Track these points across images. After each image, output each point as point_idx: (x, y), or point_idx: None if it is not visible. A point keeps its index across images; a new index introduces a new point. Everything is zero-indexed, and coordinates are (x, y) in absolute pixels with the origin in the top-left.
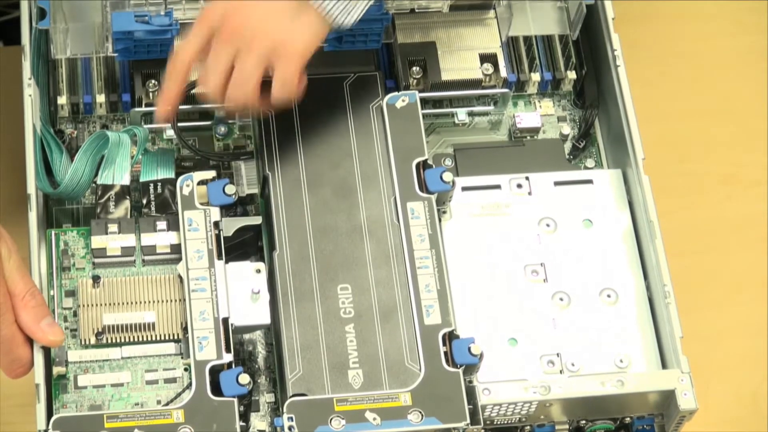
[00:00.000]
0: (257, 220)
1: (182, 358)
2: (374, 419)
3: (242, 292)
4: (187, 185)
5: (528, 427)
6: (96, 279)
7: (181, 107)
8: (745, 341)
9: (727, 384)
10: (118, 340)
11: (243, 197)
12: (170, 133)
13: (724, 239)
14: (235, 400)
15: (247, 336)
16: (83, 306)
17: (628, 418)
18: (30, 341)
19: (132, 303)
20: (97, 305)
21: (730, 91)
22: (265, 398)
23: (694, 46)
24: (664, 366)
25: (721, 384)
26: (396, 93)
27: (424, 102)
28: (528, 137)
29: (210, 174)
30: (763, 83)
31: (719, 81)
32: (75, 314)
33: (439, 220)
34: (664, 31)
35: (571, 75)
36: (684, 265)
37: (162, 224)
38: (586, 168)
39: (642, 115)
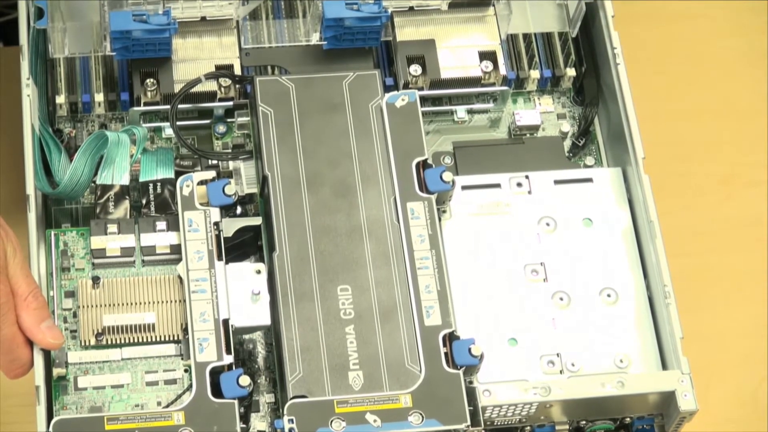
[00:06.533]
0: (257, 220)
1: (182, 359)
2: (375, 421)
3: (242, 293)
4: (187, 185)
5: (528, 428)
6: (96, 280)
7: (180, 106)
8: (745, 341)
9: (727, 384)
10: (118, 341)
11: (242, 197)
12: (169, 132)
13: (724, 239)
14: (236, 401)
15: (246, 336)
16: (83, 307)
17: (628, 419)
18: (30, 342)
19: (132, 304)
20: (96, 306)
21: (731, 91)
22: (265, 398)
23: (694, 46)
24: (664, 366)
25: (722, 384)
26: (396, 92)
27: (423, 100)
28: (527, 135)
29: (210, 174)
30: (763, 83)
31: (719, 81)
32: (75, 315)
33: (439, 220)
34: (664, 31)
35: (571, 72)
36: (684, 265)
37: (162, 224)
38: (585, 166)
39: (642, 115)
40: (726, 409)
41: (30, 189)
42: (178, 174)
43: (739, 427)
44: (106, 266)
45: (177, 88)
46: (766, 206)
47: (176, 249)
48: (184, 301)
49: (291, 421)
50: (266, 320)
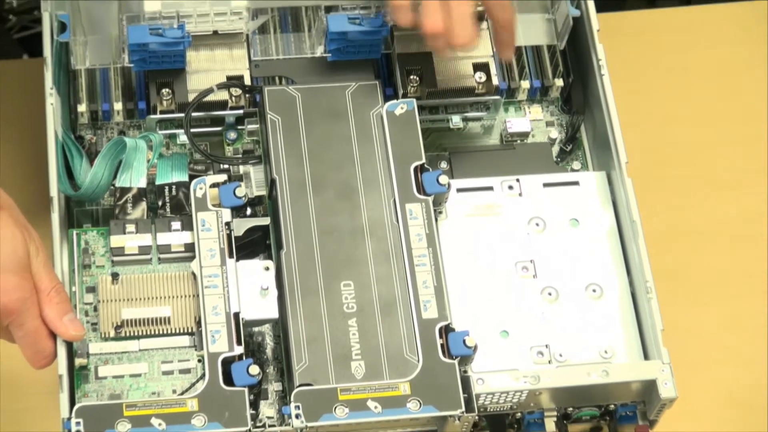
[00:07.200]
0: (265, 220)
1: (196, 350)
2: (375, 407)
3: (252, 289)
4: (200, 188)
5: (519, 414)
6: (115, 276)
7: (193, 114)
8: (724, 335)
9: (706, 375)
10: (136, 334)
11: (252, 199)
12: (183, 138)
13: (705, 239)
14: (246, 389)
15: (256, 329)
16: (103, 301)
17: (612, 405)
18: (54, 334)
19: (149, 298)
20: (116, 300)
21: (710, 99)
22: (273, 387)
23: (678, 57)
24: (645, 357)
25: (701, 375)
26: (395, 101)
27: (421, 108)
28: (518, 141)
29: (222, 177)
30: (744, 91)
31: (700, 89)
32: (95, 309)
33: (436, 220)
34: (651, 43)
35: (559, 83)
36: (667, 263)
37: (176, 224)
38: (572, 170)
39: (632, 122)
40: (704, 399)
41: (53, 191)
42: (191, 177)
43: (717, 416)
44: (125, 263)
45: (191, 97)
46: (745, 207)
47: (190, 247)
48: (198, 295)
49: (297, 407)
50: (274, 314)
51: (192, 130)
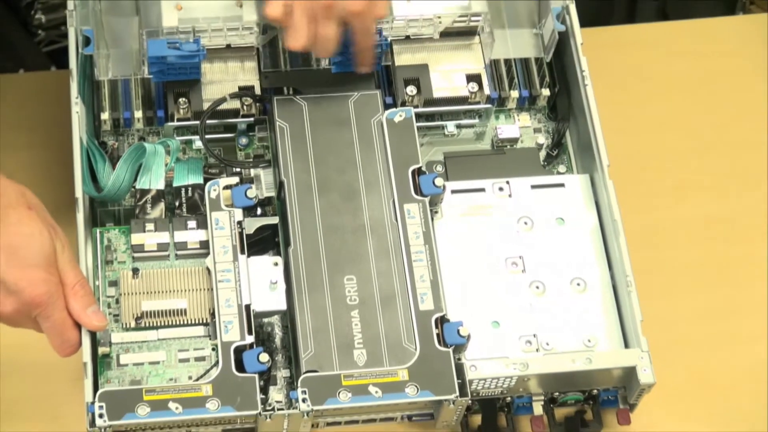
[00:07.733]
0: (274, 220)
1: (210, 339)
2: (376, 392)
3: (262, 283)
4: (214, 190)
5: (509, 398)
6: (135, 271)
7: (208, 121)
8: (700, 325)
9: (682, 362)
10: (155, 324)
11: (262, 200)
12: (199, 144)
13: (682, 236)
14: (256, 375)
15: (266, 319)
16: (124, 294)
17: (595, 390)
18: (78, 325)
19: (166, 292)
20: (136, 294)
21: (684, 108)
22: (282, 373)
23: (657, 68)
24: (626, 345)
25: (678, 362)
26: (394, 109)
27: (418, 116)
28: (508, 146)
29: (234, 180)
30: (718, 99)
31: (681, 98)
32: (117, 301)
33: (432, 220)
34: (631, 55)
35: (546, 92)
36: (646, 259)
37: (192, 223)
38: (558, 173)
39: (613, 128)
40: (682, 384)
41: (78, 193)
42: (206, 180)
43: (693, 401)
44: (145, 259)
45: (205, 106)
46: (718, 207)
47: (205, 244)
48: (212, 289)
49: (304, 392)
50: (282, 306)
51: (206, 136)
